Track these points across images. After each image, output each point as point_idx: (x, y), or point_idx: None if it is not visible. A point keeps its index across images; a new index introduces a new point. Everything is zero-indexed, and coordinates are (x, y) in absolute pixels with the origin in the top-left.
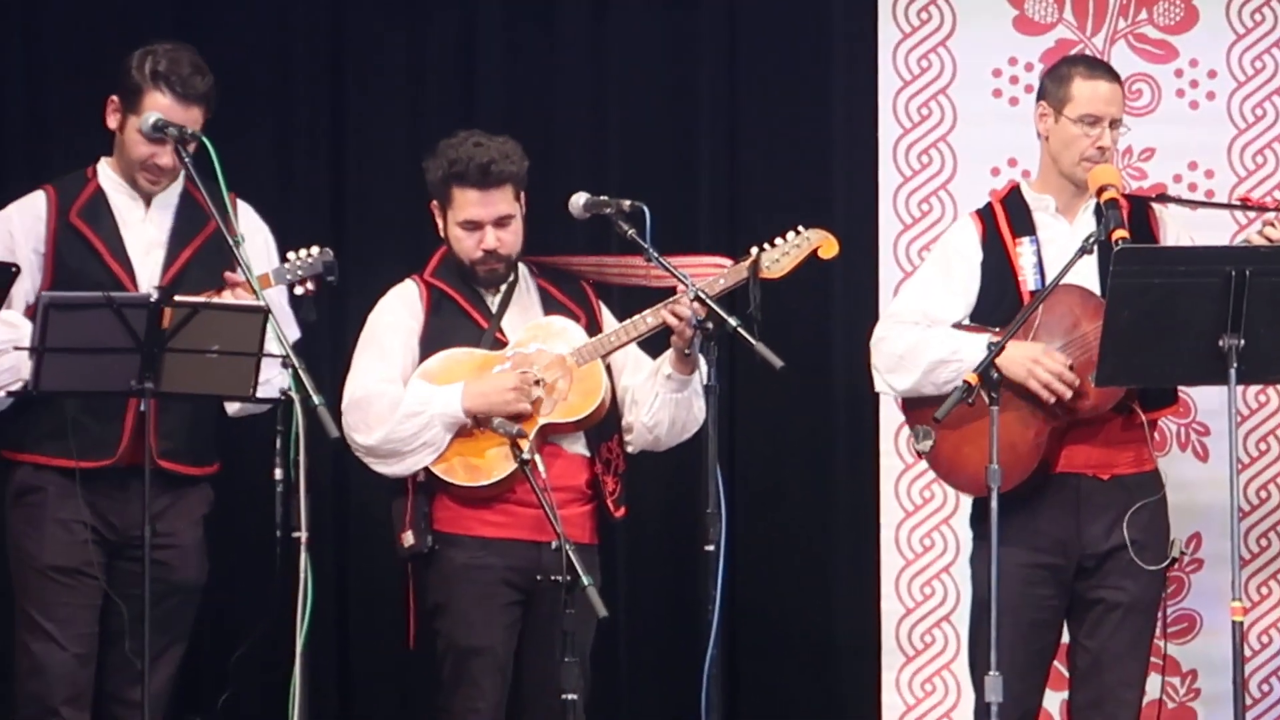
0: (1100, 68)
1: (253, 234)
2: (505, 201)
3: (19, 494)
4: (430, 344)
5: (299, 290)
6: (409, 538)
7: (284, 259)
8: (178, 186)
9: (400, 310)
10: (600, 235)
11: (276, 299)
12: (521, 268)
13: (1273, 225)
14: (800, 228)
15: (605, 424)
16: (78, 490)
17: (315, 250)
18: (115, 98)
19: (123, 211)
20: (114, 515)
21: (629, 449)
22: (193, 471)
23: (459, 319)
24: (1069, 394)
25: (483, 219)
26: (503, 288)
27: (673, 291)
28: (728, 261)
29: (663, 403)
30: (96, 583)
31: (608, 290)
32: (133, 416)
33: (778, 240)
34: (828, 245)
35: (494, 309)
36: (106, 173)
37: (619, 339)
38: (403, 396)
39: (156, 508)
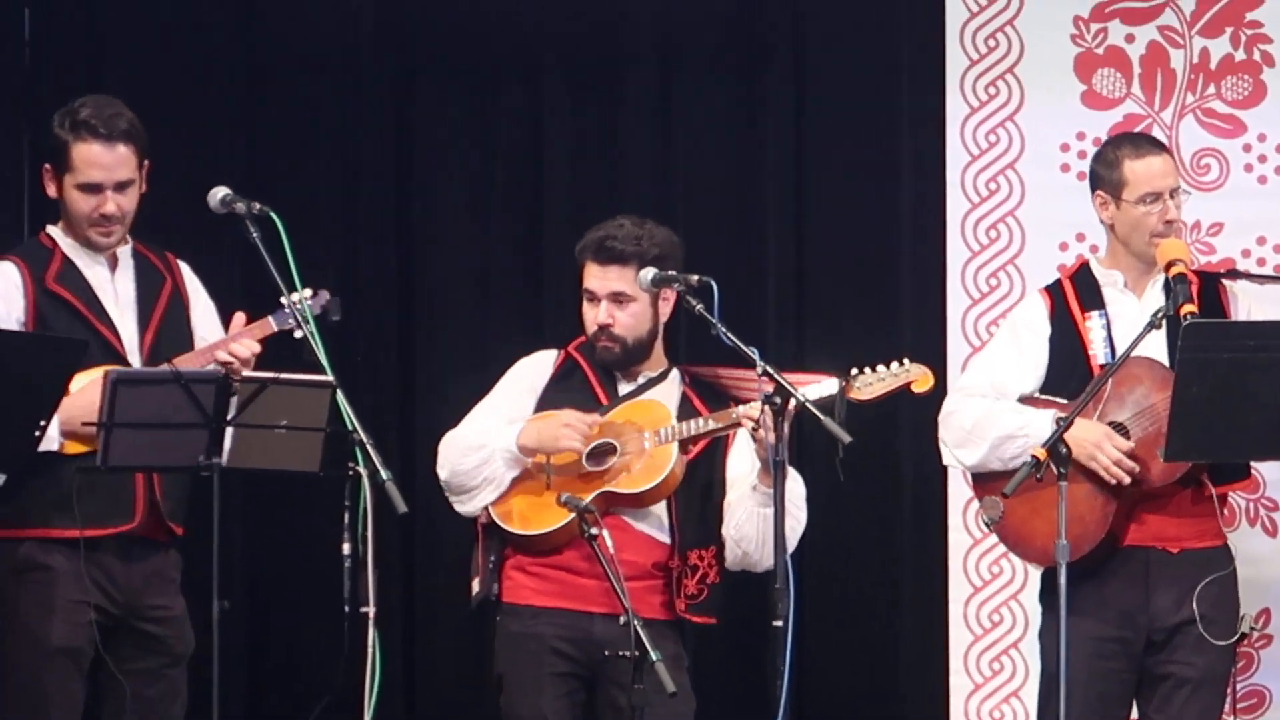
0: (1145, 142)
1: (196, 292)
2: (622, 280)
3: (22, 570)
4: (546, 404)
5: (298, 334)
6: (475, 585)
7: (279, 303)
8: (129, 248)
9: (528, 371)
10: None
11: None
12: (675, 372)
13: None
14: (906, 360)
15: (704, 531)
16: (83, 565)
17: (309, 292)
18: (48, 165)
19: (91, 275)
20: (115, 588)
21: (726, 563)
22: (178, 530)
23: (581, 391)
24: (1128, 480)
25: (597, 293)
26: (641, 380)
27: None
28: (828, 378)
29: (748, 516)
30: (89, 662)
31: None
32: (142, 480)
33: (879, 367)
34: (923, 380)
35: (621, 393)
36: (64, 240)
37: (700, 428)
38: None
39: (151, 579)
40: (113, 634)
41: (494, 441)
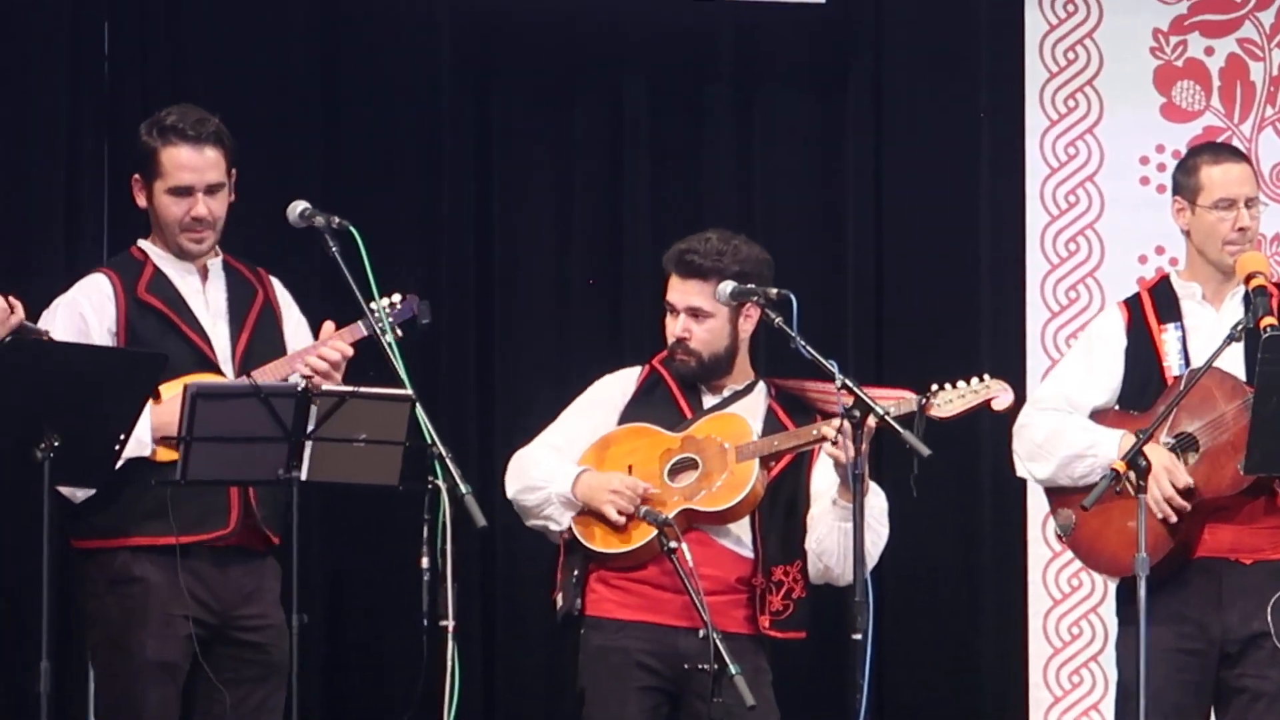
0: (1226, 151)
1: (289, 306)
2: (700, 295)
3: (116, 582)
4: (629, 419)
5: (388, 338)
6: (559, 600)
7: (369, 308)
8: (220, 260)
9: (611, 386)
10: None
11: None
12: (761, 385)
13: None
14: (986, 376)
15: (788, 546)
16: (179, 574)
17: (397, 297)
18: (137, 175)
19: (182, 286)
20: (213, 598)
21: (810, 578)
22: (274, 538)
23: (665, 404)
24: (1174, 518)
25: (676, 306)
26: (726, 393)
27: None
28: (907, 394)
29: (829, 530)
30: (185, 674)
31: None
32: (235, 487)
33: (959, 383)
34: (1004, 397)
35: (706, 406)
36: (156, 251)
37: (781, 444)
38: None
39: (250, 588)
40: (211, 644)
41: (553, 485)
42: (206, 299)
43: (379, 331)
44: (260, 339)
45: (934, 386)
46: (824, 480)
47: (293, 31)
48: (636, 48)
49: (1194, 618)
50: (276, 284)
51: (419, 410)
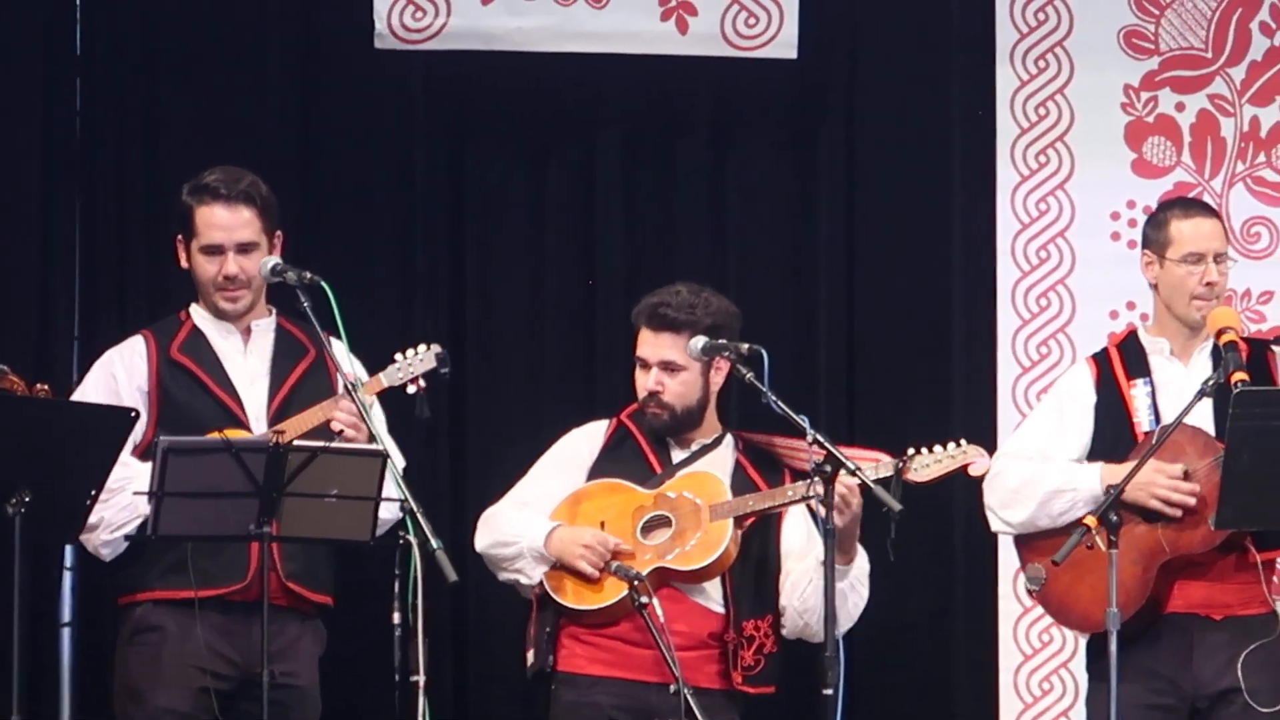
0: (1196, 206)
1: (350, 366)
2: (672, 348)
3: (135, 633)
4: (598, 475)
5: (411, 389)
6: (530, 656)
7: (392, 359)
8: (272, 322)
9: (579, 442)
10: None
11: (380, 429)
12: (729, 438)
13: None
14: (963, 441)
15: (760, 602)
16: (198, 627)
17: (423, 347)
18: (179, 235)
19: (221, 345)
20: (235, 653)
21: (783, 632)
22: (313, 597)
23: (634, 459)
24: (1193, 501)
25: (648, 360)
26: (695, 447)
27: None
28: (883, 456)
29: (815, 589)
30: None
31: None
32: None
33: (936, 447)
34: (981, 463)
35: (675, 460)
36: (199, 313)
37: (756, 504)
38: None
39: (277, 645)
40: (235, 698)
41: (525, 539)
42: (246, 358)
43: (351, 387)
44: (300, 397)
45: (910, 450)
46: (794, 538)
47: (269, 91)
48: (609, 105)
49: (1165, 674)
50: (339, 346)
51: (391, 465)
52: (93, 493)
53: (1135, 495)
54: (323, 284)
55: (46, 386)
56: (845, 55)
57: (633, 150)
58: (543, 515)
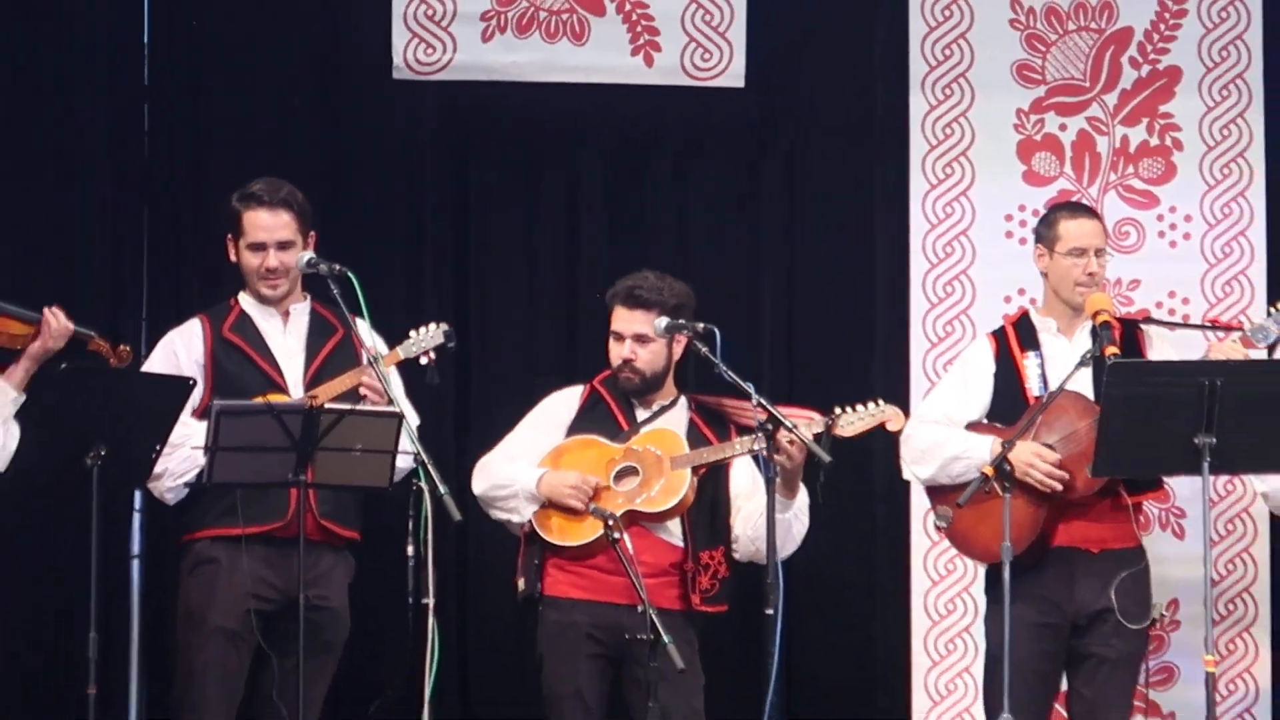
0: (1081, 209)
1: (374, 344)
2: (644, 323)
3: (195, 565)
4: (576, 432)
5: (423, 360)
6: (521, 584)
7: (407, 335)
8: (307, 305)
9: (558, 403)
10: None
11: (398, 393)
12: (683, 399)
13: (1234, 345)
14: (880, 400)
15: (712, 535)
16: (245, 559)
17: (433, 326)
18: (229, 234)
19: (264, 326)
20: (278, 579)
21: (735, 556)
22: (343, 533)
23: (605, 418)
24: (1060, 487)
25: (623, 333)
26: (655, 408)
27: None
28: (815, 414)
29: (765, 520)
30: (251, 644)
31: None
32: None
33: (859, 406)
34: (896, 420)
35: (639, 419)
36: (246, 299)
37: (710, 456)
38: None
39: (313, 573)
40: (276, 618)
41: (519, 483)
42: (285, 337)
43: (372, 360)
44: (332, 368)
45: (837, 409)
46: (741, 480)
47: (305, 116)
48: (590, 127)
49: (1050, 597)
50: (363, 325)
51: (406, 424)
52: (158, 448)
53: (1017, 468)
54: (349, 274)
55: (128, 347)
56: (786, 85)
57: (610, 164)
58: (530, 464)
